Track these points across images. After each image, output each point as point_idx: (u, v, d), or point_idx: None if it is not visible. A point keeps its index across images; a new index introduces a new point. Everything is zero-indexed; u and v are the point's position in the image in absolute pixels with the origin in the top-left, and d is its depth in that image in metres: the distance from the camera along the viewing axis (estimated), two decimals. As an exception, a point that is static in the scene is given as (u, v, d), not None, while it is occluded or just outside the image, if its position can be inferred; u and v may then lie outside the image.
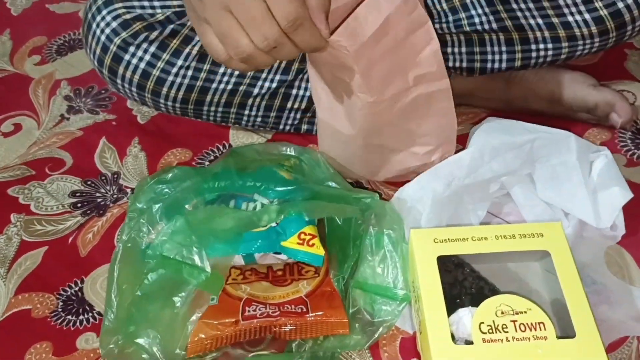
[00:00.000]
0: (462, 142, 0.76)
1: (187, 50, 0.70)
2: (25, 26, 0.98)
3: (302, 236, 0.62)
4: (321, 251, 0.61)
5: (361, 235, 0.63)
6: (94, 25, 0.69)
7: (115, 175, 0.77)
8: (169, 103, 0.73)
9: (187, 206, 0.61)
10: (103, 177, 0.77)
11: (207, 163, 0.77)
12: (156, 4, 0.69)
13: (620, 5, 0.68)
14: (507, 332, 0.51)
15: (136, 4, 0.68)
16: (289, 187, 0.63)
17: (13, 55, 0.93)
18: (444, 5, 0.74)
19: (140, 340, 0.55)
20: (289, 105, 0.75)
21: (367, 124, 0.63)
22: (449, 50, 0.76)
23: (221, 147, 0.79)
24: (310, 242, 0.61)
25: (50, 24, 0.98)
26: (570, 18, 0.69)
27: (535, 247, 0.57)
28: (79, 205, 0.74)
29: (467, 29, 0.74)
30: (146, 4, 0.68)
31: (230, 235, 0.58)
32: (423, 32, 0.56)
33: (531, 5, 0.68)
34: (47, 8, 1.01)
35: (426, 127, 0.66)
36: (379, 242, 0.62)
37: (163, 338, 0.55)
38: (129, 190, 0.75)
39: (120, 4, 0.68)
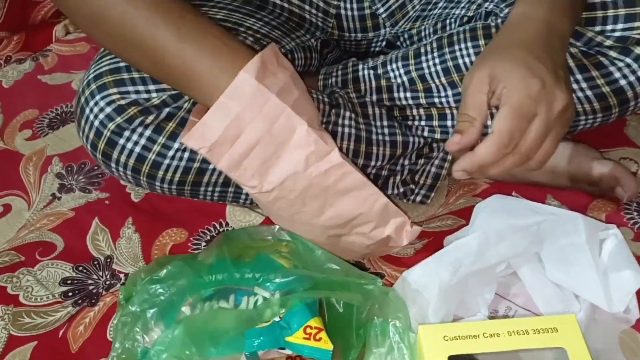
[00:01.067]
0: (465, 216, 0.74)
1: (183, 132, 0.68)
2: (16, 99, 0.97)
3: (308, 330, 0.59)
4: (329, 346, 0.58)
5: (364, 324, 0.61)
6: (87, 110, 0.68)
7: (108, 260, 0.74)
8: (165, 185, 0.71)
9: (183, 307, 0.58)
10: (95, 262, 0.74)
11: (203, 244, 0.75)
12: (151, 87, 0.67)
13: (623, 82, 0.67)
14: None
15: (131, 89, 0.67)
16: (290, 278, 0.61)
17: (3, 130, 0.92)
18: (443, 79, 0.73)
19: None
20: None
21: (276, 212, 0.64)
22: (449, 123, 0.75)
23: (217, 226, 0.77)
24: (317, 337, 0.59)
25: (42, 96, 0.97)
26: (573, 95, 0.68)
27: (550, 344, 0.54)
28: (70, 294, 0.71)
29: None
30: (141, 88, 0.67)
31: (231, 336, 0.55)
32: (284, 119, 0.57)
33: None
34: (39, 79, 1.00)
35: (344, 207, 0.63)
36: (385, 332, 0.59)
37: None
38: (122, 276, 0.72)
39: (115, 89, 0.67)
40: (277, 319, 0.58)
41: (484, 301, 0.65)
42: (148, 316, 0.56)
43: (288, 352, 0.61)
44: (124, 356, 0.55)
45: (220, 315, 0.56)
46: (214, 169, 0.70)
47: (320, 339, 0.58)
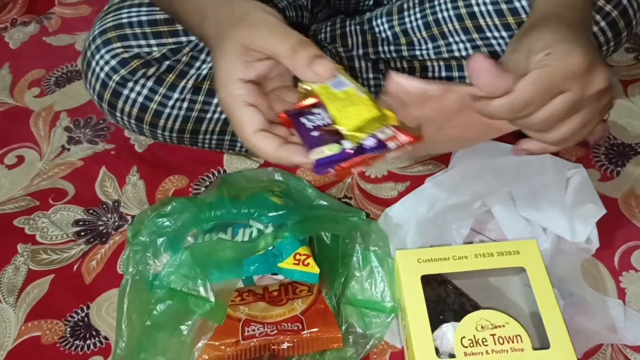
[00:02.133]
0: (446, 161, 0.80)
1: (182, 84, 0.74)
2: (24, 59, 1.02)
3: (297, 257, 0.65)
4: (316, 270, 0.65)
5: (349, 254, 0.67)
6: (93, 63, 0.73)
7: (116, 204, 0.80)
8: (166, 133, 0.77)
9: (188, 237, 0.65)
10: (104, 206, 0.80)
11: (203, 189, 0.81)
12: (152, 42, 0.73)
13: (594, 29, 0.72)
14: (486, 345, 0.55)
15: (133, 43, 0.72)
16: (281, 212, 0.67)
17: (13, 88, 0.97)
18: (424, 33, 0.78)
19: None
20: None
21: None
22: (429, 75, 0.81)
23: (216, 173, 0.83)
24: (305, 262, 0.65)
25: (48, 57, 1.02)
26: None
27: (512, 264, 0.61)
28: (82, 233, 0.77)
29: (446, 55, 0.78)
30: (143, 42, 0.72)
31: (231, 264, 0.62)
32: None
33: (504, 34, 0.72)
34: (44, 41, 1.05)
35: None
36: (366, 259, 0.66)
37: (172, 364, 0.59)
38: (129, 218, 0.78)
39: (119, 44, 0.72)
40: (270, 248, 0.65)
41: (460, 235, 0.72)
42: (158, 244, 0.63)
43: (280, 277, 0.67)
44: (137, 277, 0.61)
45: (221, 244, 0.63)
46: (211, 118, 0.76)
47: (308, 264, 0.64)
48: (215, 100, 0.75)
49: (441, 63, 0.79)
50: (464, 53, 0.77)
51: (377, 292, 0.64)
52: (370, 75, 0.81)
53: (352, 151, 0.47)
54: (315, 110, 0.51)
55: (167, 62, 0.73)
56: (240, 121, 0.49)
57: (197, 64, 0.74)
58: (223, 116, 0.76)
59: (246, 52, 0.50)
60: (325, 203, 0.71)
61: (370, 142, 0.48)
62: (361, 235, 0.66)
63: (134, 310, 0.60)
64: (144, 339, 0.58)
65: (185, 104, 0.74)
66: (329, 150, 0.47)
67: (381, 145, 0.48)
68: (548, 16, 0.52)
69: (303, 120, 0.50)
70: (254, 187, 0.72)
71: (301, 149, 0.48)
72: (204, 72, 0.74)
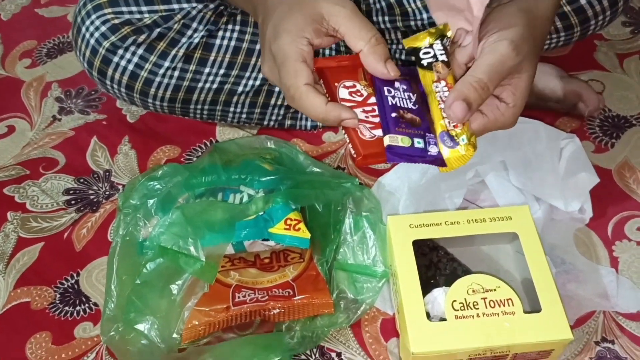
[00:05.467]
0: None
1: (173, 52, 0.73)
2: (15, 30, 1.01)
3: (288, 222, 0.65)
4: (307, 234, 0.64)
5: (341, 220, 0.67)
6: (84, 29, 0.72)
7: (107, 173, 0.80)
8: (157, 102, 0.76)
9: (179, 199, 0.65)
10: (95, 175, 0.80)
11: (195, 159, 0.81)
12: (144, 9, 0.72)
13: (583, 1, 0.71)
14: (477, 308, 0.55)
15: (124, 9, 0.71)
16: (273, 177, 0.67)
17: (4, 59, 0.96)
18: (418, 3, 0.77)
19: (139, 326, 0.58)
20: (273, 102, 0.78)
21: None
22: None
23: (208, 144, 0.83)
24: (296, 227, 0.65)
25: (40, 28, 1.01)
26: None
27: (504, 230, 0.61)
28: (72, 202, 0.77)
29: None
30: (134, 9, 0.72)
31: (223, 225, 0.62)
32: None
33: (497, 2, 0.72)
34: (36, 12, 1.04)
35: None
36: (358, 224, 0.65)
37: (161, 324, 0.59)
38: (120, 187, 0.78)
39: (109, 9, 0.71)
40: (261, 213, 0.64)
41: (453, 204, 0.71)
42: (148, 205, 0.63)
43: (271, 243, 0.67)
44: (127, 238, 0.61)
45: (213, 205, 0.63)
46: (202, 88, 0.75)
47: (299, 229, 0.64)
48: (207, 70, 0.75)
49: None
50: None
51: (368, 257, 0.64)
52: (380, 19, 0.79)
53: (423, 151, 0.50)
54: (398, 85, 0.53)
55: (158, 30, 0.72)
56: (296, 70, 0.50)
57: (189, 32, 0.73)
58: (215, 86, 0.75)
59: (321, 22, 0.51)
60: (317, 170, 0.71)
61: (434, 151, 0.51)
62: (353, 201, 0.66)
63: (123, 271, 0.59)
64: (133, 298, 0.58)
65: (176, 73, 0.74)
66: (400, 141, 0.49)
67: (437, 159, 0.50)
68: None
69: (386, 89, 0.51)
70: (246, 154, 0.72)
71: (346, 107, 0.50)
72: (196, 40, 0.73)
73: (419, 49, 0.54)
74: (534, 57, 0.52)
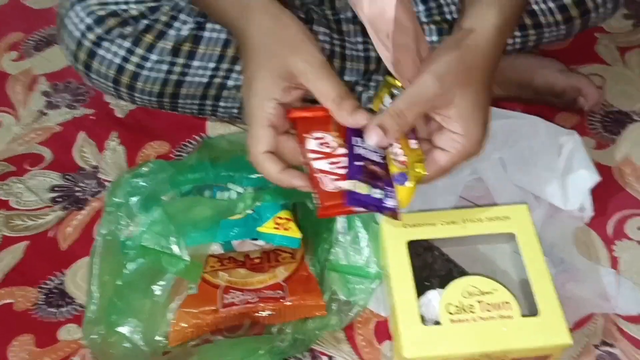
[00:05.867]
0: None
1: (160, 45, 0.70)
2: (2, 22, 0.98)
3: (278, 221, 0.63)
4: (297, 234, 0.62)
5: (333, 219, 0.64)
6: (67, 21, 0.70)
7: (94, 169, 0.78)
8: (145, 97, 0.74)
9: (163, 198, 0.62)
10: (82, 171, 0.77)
11: (185, 155, 0.78)
12: (130, -1, 0.69)
13: None
14: (473, 312, 0.53)
15: (110, 0, 0.69)
16: (261, 175, 0.65)
17: (-10, 51, 0.94)
18: None
19: (122, 329, 0.56)
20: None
21: None
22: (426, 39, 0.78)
23: (199, 139, 0.80)
24: (286, 226, 0.63)
25: (27, 20, 0.98)
26: (535, 7, 0.71)
27: (502, 230, 0.59)
28: (58, 199, 0.75)
29: (438, 18, 0.75)
30: (120, 0, 0.69)
31: (207, 223, 0.60)
32: None
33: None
34: (23, 3, 1.01)
35: None
36: (350, 223, 0.63)
37: (144, 326, 0.57)
38: (107, 184, 0.76)
39: (94, 0, 0.69)
40: (249, 211, 0.62)
41: (448, 202, 0.69)
42: (131, 204, 0.60)
43: (261, 243, 0.65)
44: (109, 238, 0.59)
45: (197, 202, 0.61)
46: (191, 82, 0.73)
47: (289, 229, 0.62)
48: (196, 63, 0.72)
49: (432, 26, 0.75)
50: (455, 16, 0.74)
51: (361, 257, 0.62)
52: (359, 39, 0.78)
53: (379, 202, 0.51)
54: None
55: (145, 21, 0.70)
56: (257, 137, 0.52)
57: (177, 24, 0.71)
58: (204, 80, 0.73)
59: (290, 79, 0.52)
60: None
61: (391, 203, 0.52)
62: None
63: (105, 271, 0.57)
64: (115, 299, 0.56)
65: (164, 66, 0.71)
66: (359, 188, 0.51)
67: (392, 211, 0.52)
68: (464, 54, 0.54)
69: (355, 140, 0.53)
70: (236, 150, 0.70)
71: (300, 174, 0.52)
72: (185, 33, 0.71)
73: (380, 109, 0.56)
74: (468, 85, 0.53)
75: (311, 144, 0.53)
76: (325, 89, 0.52)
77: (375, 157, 0.53)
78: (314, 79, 0.52)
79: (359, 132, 0.54)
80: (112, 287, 0.56)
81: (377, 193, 0.51)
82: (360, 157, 0.52)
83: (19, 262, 0.69)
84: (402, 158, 0.53)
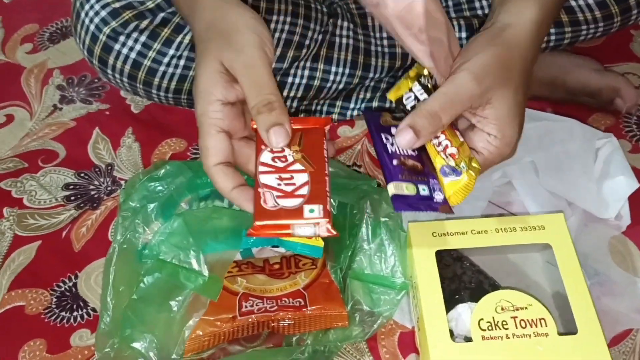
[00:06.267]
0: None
1: (178, 39, 0.68)
2: (17, 14, 0.96)
3: None
4: (320, 243, 0.59)
5: (357, 224, 0.62)
6: (83, 14, 0.68)
7: (109, 167, 0.75)
8: (162, 93, 0.71)
9: (181, 203, 0.60)
10: (97, 169, 0.75)
11: (202, 153, 0.76)
12: (146, -9, 0.67)
13: None
14: (507, 328, 0.50)
15: None
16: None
17: (5, 43, 0.91)
18: None
19: (136, 345, 0.54)
20: (285, 93, 0.73)
21: None
22: (450, 34, 0.74)
23: (217, 137, 0.78)
24: None
25: (42, 11, 0.96)
26: (573, 3, 0.67)
27: (537, 240, 0.55)
28: (72, 198, 0.72)
29: (467, 13, 0.72)
30: None
31: (228, 235, 0.57)
32: None
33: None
34: (39, -6, 0.99)
35: None
36: (375, 231, 0.60)
37: (159, 342, 0.54)
38: (122, 182, 0.73)
39: (109, -8, 0.66)
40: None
41: (478, 208, 0.66)
42: (148, 210, 0.58)
43: (281, 250, 0.62)
44: (125, 246, 0.56)
45: (218, 212, 0.58)
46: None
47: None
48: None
49: (462, 22, 0.72)
50: (487, 11, 0.71)
51: (386, 267, 0.59)
52: (384, 35, 0.74)
53: (429, 199, 0.48)
54: (394, 130, 0.51)
55: (162, 14, 0.67)
56: (206, 148, 0.47)
57: (196, 17, 0.68)
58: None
59: (227, 72, 0.48)
60: (332, 169, 0.66)
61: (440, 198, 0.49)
62: (371, 204, 0.61)
63: (120, 281, 0.55)
64: (130, 313, 0.53)
65: (182, 62, 0.69)
66: (407, 189, 0.47)
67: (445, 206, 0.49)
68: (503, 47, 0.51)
69: (384, 137, 0.50)
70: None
71: (251, 196, 0.47)
72: (204, 26, 0.68)
73: (402, 97, 0.53)
74: (506, 85, 0.50)
75: (265, 156, 0.49)
76: (247, 91, 0.47)
77: (408, 150, 0.50)
78: (240, 77, 0.47)
79: (384, 128, 0.51)
80: (127, 298, 0.54)
81: (424, 190, 0.48)
82: (394, 155, 0.49)
83: (31, 263, 0.67)
84: (452, 150, 0.49)
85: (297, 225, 0.46)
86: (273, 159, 0.49)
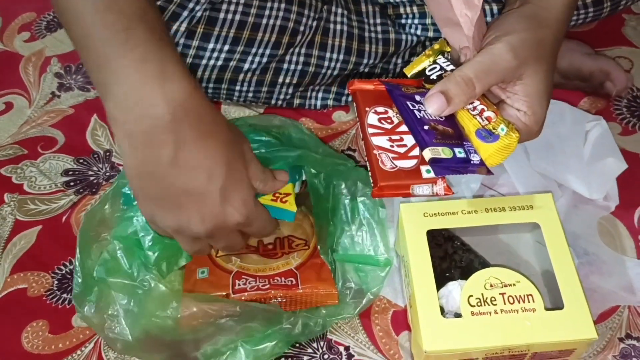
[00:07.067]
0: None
1: (174, 27, 0.68)
2: (14, 2, 0.97)
3: (277, 194, 0.61)
4: (293, 207, 0.59)
5: (341, 206, 0.63)
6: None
7: (108, 153, 0.76)
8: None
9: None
10: (95, 155, 0.76)
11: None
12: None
13: None
14: (495, 304, 0.51)
15: None
16: (274, 149, 0.63)
17: (2, 32, 0.92)
18: None
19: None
20: (281, 80, 0.74)
21: None
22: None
23: (213, 123, 0.79)
24: (284, 199, 0.60)
25: (39, 0, 0.97)
26: None
27: (525, 220, 0.57)
28: (71, 183, 0.74)
29: None
30: None
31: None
32: None
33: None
34: (36, -17, 1.00)
35: None
36: (354, 210, 0.62)
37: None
38: (121, 168, 0.74)
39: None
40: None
41: (469, 189, 0.67)
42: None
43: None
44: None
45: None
46: (206, 65, 0.71)
47: (286, 202, 0.59)
48: (210, 46, 0.70)
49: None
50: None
51: (369, 245, 0.60)
52: (378, 21, 0.75)
53: (467, 161, 0.48)
54: (419, 99, 0.51)
55: (158, 3, 0.68)
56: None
57: (191, 5, 0.69)
58: (219, 63, 0.71)
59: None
60: (320, 149, 0.67)
61: (477, 159, 0.49)
62: (346, 185, 0.62)
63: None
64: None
65: (177, 49, 0.69)
66: (443, 153, 0.47)
67: (482, 167, 0.49)
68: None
69: (410, 104, 0.50)
70: (260, 132, 0.67)
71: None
72: (198, 14, 0.69)
73: (424, 69, 0.53)
74: (539, 62, 0.50)
75: (372, 118, 0.49)
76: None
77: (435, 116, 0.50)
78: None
79: (407, 96, 0.50)
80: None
81: (460, 152, 0.48)
82: (424, 121, 0.48)
83: (32, 247, 0.68)
84: (489, 114, 0.49)
85: (417, 185, 0.48)
86: (380, 120, 0.50)
